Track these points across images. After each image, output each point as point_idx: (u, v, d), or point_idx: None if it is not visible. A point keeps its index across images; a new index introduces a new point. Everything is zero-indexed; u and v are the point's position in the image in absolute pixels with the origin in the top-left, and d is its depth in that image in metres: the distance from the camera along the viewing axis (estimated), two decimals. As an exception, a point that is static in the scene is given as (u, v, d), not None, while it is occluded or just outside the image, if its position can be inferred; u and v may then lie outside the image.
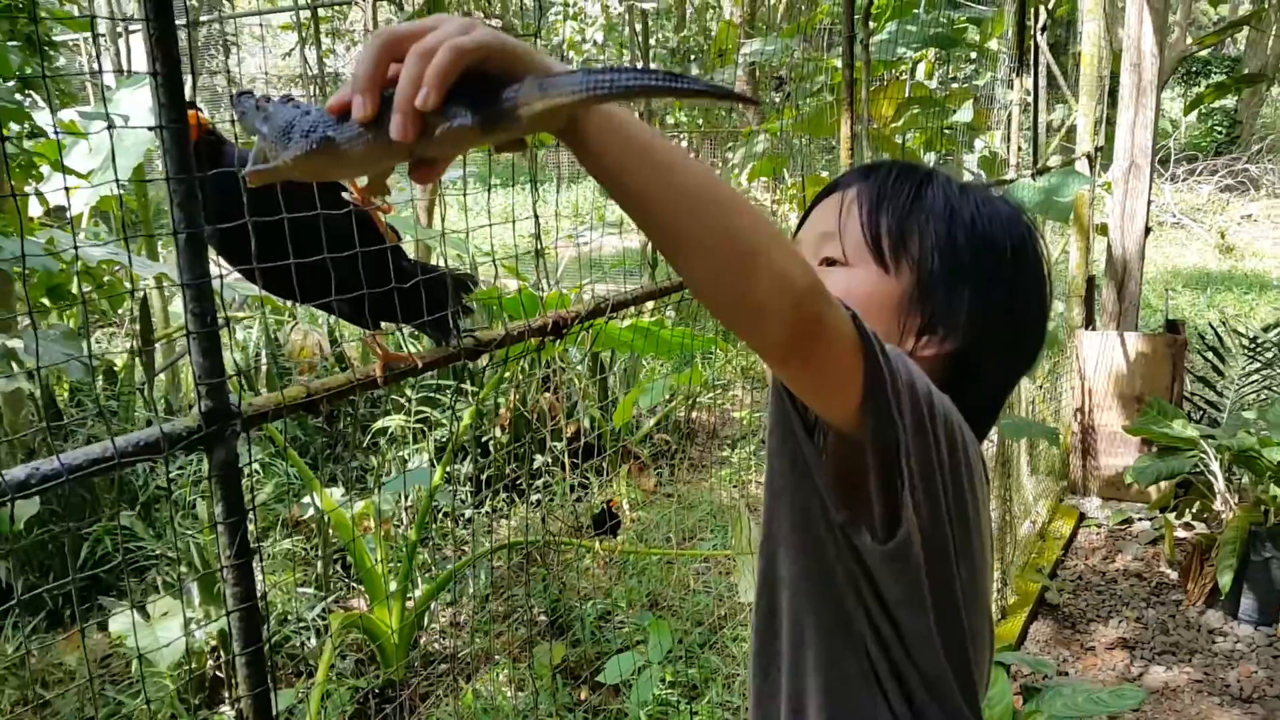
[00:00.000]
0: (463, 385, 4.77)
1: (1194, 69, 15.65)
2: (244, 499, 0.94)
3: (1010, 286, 1.01)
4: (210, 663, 3.23)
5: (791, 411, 0.88)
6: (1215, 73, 15.14)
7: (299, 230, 1.07)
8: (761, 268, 0.71)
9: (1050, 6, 4.35)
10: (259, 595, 0.97)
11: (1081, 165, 4.37)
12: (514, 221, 1.86)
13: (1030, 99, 4.07)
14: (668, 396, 5.45)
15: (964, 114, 4.14)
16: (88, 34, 5.47)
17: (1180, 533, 4.38)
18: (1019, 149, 3.90)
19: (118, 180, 2.54)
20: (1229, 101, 14.44)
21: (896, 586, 0.89)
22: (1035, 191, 2.97)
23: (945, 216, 1.01)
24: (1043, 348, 1.09)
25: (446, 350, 1.21)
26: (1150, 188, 4.69)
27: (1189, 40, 5.17)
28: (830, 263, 1.01)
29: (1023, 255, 1.03)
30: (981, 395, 1.02)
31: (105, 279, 4.04)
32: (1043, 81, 4.44)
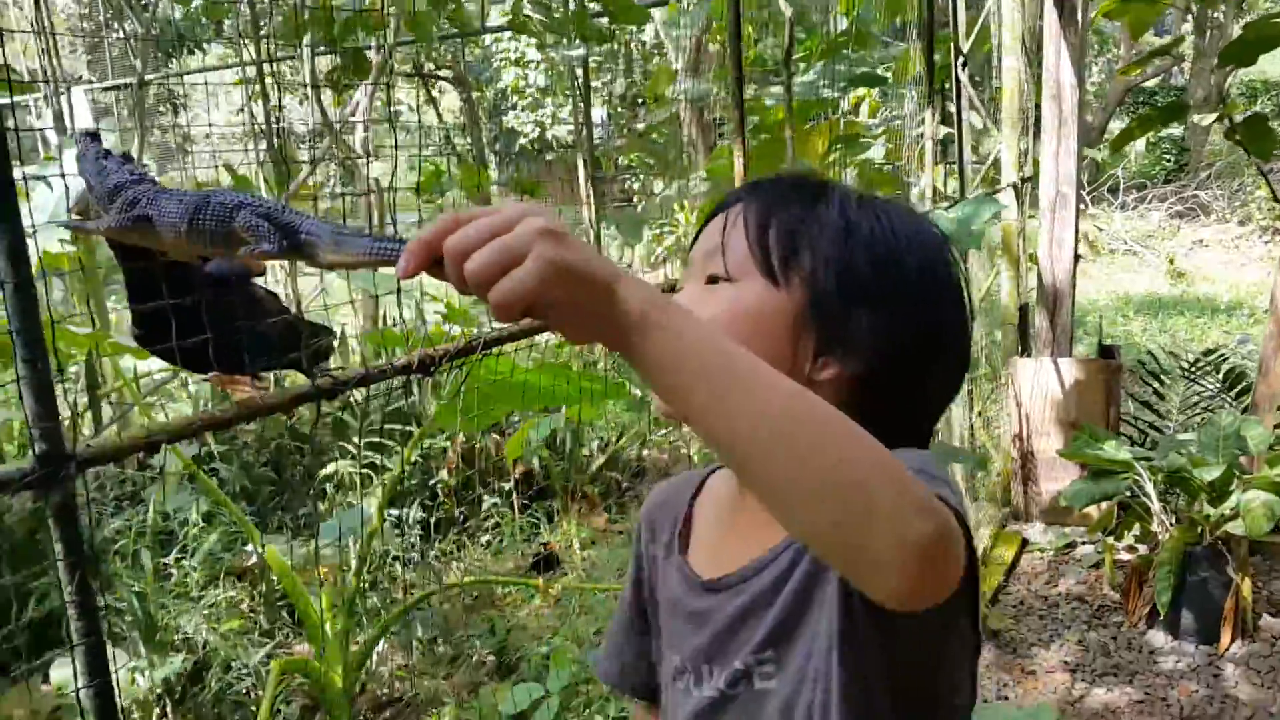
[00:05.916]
0: (409, 429, 4.79)
1: (1141, 99, 15.93)
2: (83, 539, 0.98)
3: (919, 305, 0.92)
4: (156, 712, 3.24)
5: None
6: (1161, 102, 15.41)
7: (147, 276, 1.11)
8: (876, 518, 0.63)
9: (967, 46, 4.47)
10: (102, 631, 1.01)
11: (1007, 196, 4.47)
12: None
13: (953, 133, 4.17)
14: (617, 435, 5.51)
15: (875, 151, 4.22)
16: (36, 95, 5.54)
17: (1122, 555, 4.43)
18: (936, 185, 4.00)
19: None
20: (1177, 130, 14.69)
21: None
22: (949, 221, 3.04)
23: (840, 230, 0.91)
24: (967, 370, 1.00)
25: (302, 390, 1.25)
26: (1077, 216, 4.78)
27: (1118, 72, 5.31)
28: (714, 280, 0.93)
29: (931, 271, 0.94)
30: (898, 422, 0.90)
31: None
32: (966, 115, 4.54)
